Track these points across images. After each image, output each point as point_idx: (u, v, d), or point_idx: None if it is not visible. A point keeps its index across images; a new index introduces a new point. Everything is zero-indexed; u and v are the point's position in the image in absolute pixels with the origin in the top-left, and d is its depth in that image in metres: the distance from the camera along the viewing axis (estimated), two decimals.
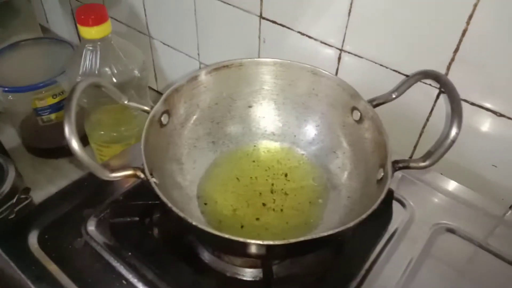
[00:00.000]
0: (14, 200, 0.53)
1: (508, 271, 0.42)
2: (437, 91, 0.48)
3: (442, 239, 0.45)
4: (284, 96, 0.51)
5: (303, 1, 0.52)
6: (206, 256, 0.43)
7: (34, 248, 0.42)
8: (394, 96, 0.44)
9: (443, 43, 0.45)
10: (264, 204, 0.46)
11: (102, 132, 0.59)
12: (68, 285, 0.39)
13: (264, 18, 0.58)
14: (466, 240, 0.45)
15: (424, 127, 0.51)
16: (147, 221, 0.45)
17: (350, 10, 0.49)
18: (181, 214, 0.33)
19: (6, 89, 0.62)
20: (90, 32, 0.51)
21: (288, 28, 0.56)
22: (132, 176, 0.37)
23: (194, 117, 0.49)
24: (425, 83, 0.48)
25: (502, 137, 0.46)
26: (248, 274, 0.42)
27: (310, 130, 0.50)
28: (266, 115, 0.52)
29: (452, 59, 0.45)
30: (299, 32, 0.55)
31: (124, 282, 0.40)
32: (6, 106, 0.65)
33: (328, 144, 0.49)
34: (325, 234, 0.33)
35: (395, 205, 0.48)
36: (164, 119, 0.44)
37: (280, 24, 0.56)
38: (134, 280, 0.40)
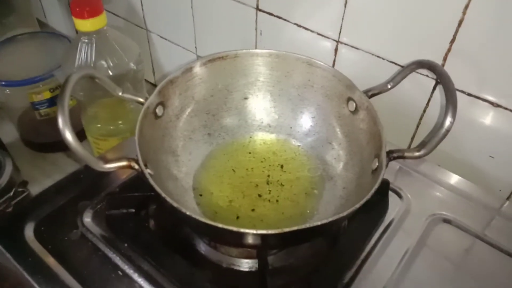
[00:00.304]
0: (11, 193, 0.53)
1: (505, 262, 0.42)
2: (433, 82, 0.48)
3: (438, 230, 0.45)
4: (280, 88, 0.50)
5: None
6: (202, 247, 0.43)
7: (30, 240, 0.42)
8: (389, 86, 0.44)
9: (439, 34, 0.44)
10: (259, 195, 0.45)
11: (99, 125, 0.59)
12: (64, 277, 0.39)
13: (260, 10, 0.57)
14: (463, 231, 0.45)
15: (421, 118, 0.51)
16: (143, 213, 0.45)
17: (346, 2, 0.49)
18: (175, 204, 0.33)
19: (3, 83, 0.62)
20: (85, 25, 0.51)
21: (285, 20, 0.56)
22: (126, 167, 0.37)
23: (189, 109, 0.48)
24: (422, 74, 0.48)
25: (499, 128, 0.46)
26: (244, 264, 0.42)
27: (306, 122, 0.50)
28: (262, 107, 0.51)
29: (449, 50, 0.45)
30: (295, 24, 0.55)
31: (120, 273, 0.40)
32: (3, 100, 0.65)
33: (323, 135, 0.49)
34: (319, 223, 0.33)
35: (391, 196, 0.48)
36: (159, 110, 0.44)
37: (277, 16, 0.56)
38: (130, 271, 0.40)
